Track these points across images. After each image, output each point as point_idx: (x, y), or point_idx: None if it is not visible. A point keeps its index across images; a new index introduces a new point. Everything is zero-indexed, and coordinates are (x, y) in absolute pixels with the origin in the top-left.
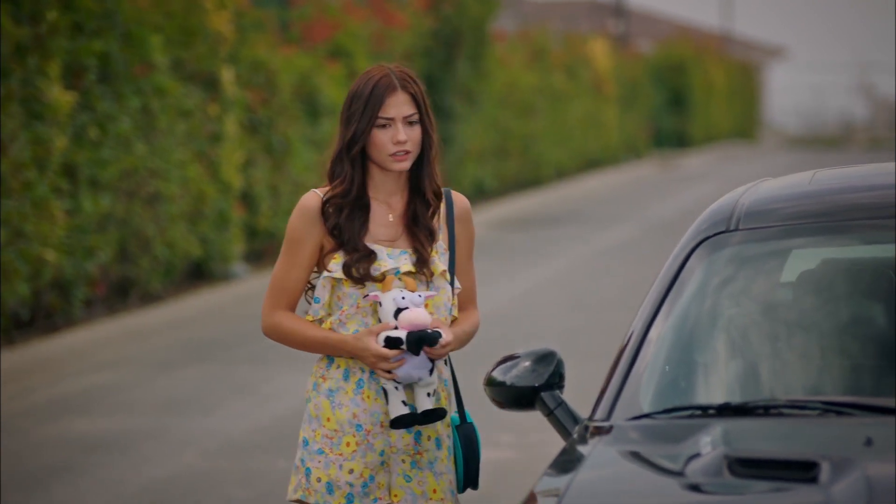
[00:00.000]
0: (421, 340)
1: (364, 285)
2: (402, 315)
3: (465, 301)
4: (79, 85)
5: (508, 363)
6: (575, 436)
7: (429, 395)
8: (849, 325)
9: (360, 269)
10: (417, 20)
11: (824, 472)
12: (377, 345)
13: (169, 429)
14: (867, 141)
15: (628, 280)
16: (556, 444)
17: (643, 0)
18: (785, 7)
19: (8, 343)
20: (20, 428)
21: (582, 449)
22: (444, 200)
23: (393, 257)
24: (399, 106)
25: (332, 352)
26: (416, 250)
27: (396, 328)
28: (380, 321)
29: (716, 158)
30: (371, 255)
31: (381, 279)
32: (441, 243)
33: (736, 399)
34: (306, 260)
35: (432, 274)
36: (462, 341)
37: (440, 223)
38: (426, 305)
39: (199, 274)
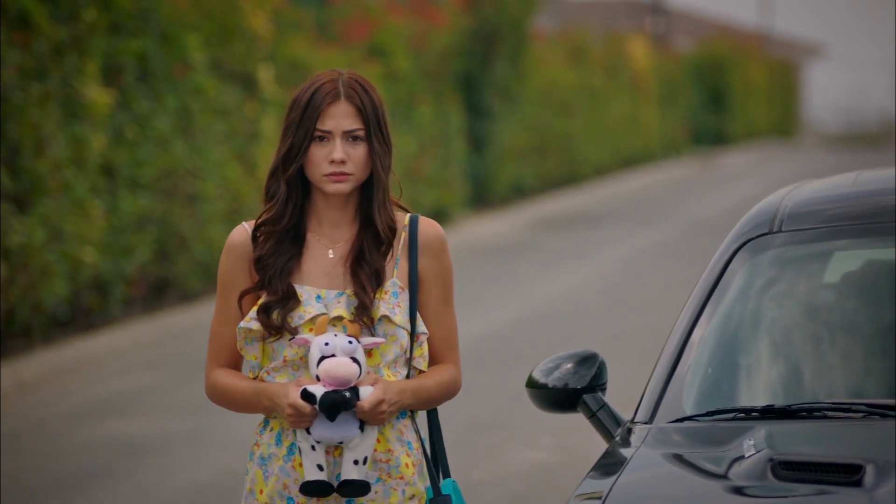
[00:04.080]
0: (335, 406)
1: (282, 335)
2: (322, 365)
3: (440, 352)
4: (117, 84)
5: (550, 365)
6: (617, 438)
7: (356, 462)
8: (892, 326)
9: (275, 315)
10: (456, 19)
11: (869, 475)
12: (296, 394)
13: (208, 431)
14: None
15: (668, 280)
16: (595, 445)
17: None
18: (826, 3)
19: (47, 342)
20: (58, 429)
21: (624, 451)
22: (406, 230)
23: (325, 301)
24: (339, 118)
25: (258, 404)
26: (356, 294)
27: (319, 380)
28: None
29: (755, 158)
30: (291, 300)
31: (294, 333)
32: (395, 281)
33: (779, 401)
34: (237, 308)
35: (372, 321)
36: (421, 400)
37: (397, 257)
38: (370, 354)
39: None
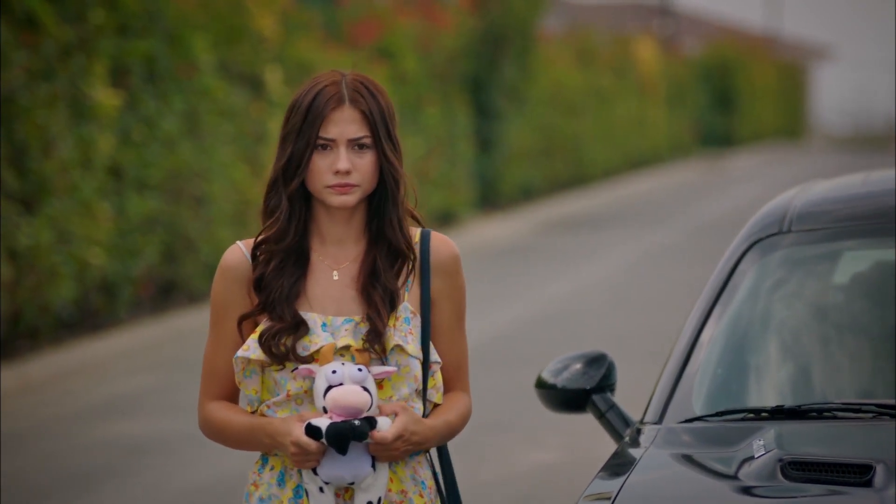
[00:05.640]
0: (342, 435)
1: (284, 366)
2: (330, 394)
3: (451, 379)
4: (124, 86)
5: (559, 366)
6: (626, 439)
7: (370, 503)
8: None
9: (283, 343)
10: (463, 20)
11: (879, 475)
12: (301, 431)
13: None
14: None
15: (675, 282)
16: (602, 445)
17: (690, 0)
18: (833, 5)
19: (54, 344)
20: (63, 430)
21: (633, 452)
22: (418, 247)
23: (331, 328)
24: (344, 124)
25: (257, 442)
26: (368, 318)
27: (326, 412)
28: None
29: (762, 160)
30: (300, 327)
31: (308, 360)
32: (407, 305)
33: (789, 402)
34: (235, 334)
35: (384, 350)
36: (441, 435)
37: (408, 279)
38: (381, 387)
39: None
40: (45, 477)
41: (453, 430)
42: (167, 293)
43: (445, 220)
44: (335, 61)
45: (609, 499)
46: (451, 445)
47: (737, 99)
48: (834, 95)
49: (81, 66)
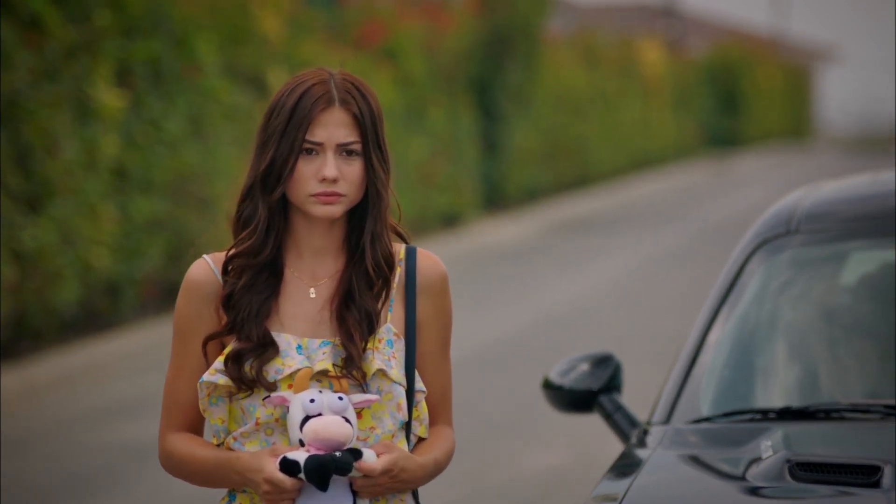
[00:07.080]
0: (324, 468)
1: (253, 392)
2: (308, 425)
3: (435, 413)
4: (129, 87)
5: (566, 367)
6: (634, 440)
7: None
8: None
9: (250, 366)
10: (469, 22)
11: (887, 476)
12: (274, 467)
13: None
14: None
15: (681, 283)
16: (610, 448)
17: (696, 1)
18: (841, 5)
19: (58, 346)
20: (67, 432)
21: (641, 453)
22: (403, 265)
23: (307, 351)
24: (333, 128)
25: (225, 478)
26: (343, 344)
27: (303, 445)
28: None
29: (768, 162)
30: (268, 349)
31: (270, 389)
32: (390, 327)
33: (796, 403)
34: (201, 358)
35: (364, 375)
36: (429, 474)
37: (392, 298)
38: (360, 416)
39: None
40: (47, 479)
41: (439, 469)
42: (171, 295)
43: (450, 222)
44: (340, 63)
45: (616, 500)
46: (457, 447)
47: (742, 101)
48: (839, 97)
49: (86, 67)
